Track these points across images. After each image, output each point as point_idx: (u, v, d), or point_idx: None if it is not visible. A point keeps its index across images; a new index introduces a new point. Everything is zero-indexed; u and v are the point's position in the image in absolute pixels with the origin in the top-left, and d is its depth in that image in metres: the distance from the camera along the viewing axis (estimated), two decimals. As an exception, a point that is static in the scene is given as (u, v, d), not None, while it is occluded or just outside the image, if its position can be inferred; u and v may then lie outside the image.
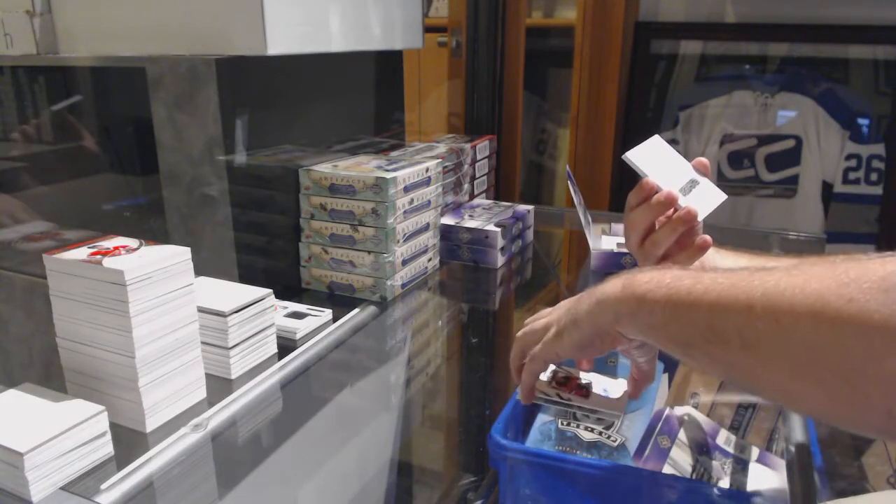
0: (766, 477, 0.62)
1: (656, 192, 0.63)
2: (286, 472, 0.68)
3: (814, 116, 1.69)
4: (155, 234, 0.99)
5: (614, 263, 1.15)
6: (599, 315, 0.50)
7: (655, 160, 0.66)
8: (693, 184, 0.66)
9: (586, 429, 0.68)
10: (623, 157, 0.65)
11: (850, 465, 0.65)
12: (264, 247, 1.02)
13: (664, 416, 0.66)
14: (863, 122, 1.67)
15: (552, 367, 0.75)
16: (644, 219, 0.65)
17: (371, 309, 0.99)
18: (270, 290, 0.81)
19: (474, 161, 1.36)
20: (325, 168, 1.00)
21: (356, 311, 0.97)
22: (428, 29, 1.30)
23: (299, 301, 0.96)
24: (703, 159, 0.68)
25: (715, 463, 0.63)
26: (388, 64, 1.27)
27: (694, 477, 0.62)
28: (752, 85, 1.75)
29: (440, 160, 1.13)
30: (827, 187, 1.71)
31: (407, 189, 1.01)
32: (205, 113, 0.89)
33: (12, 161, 1.14)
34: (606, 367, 0.83)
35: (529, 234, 1.32)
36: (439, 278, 1.15)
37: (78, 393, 0.68)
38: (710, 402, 0.72)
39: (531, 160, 2.23)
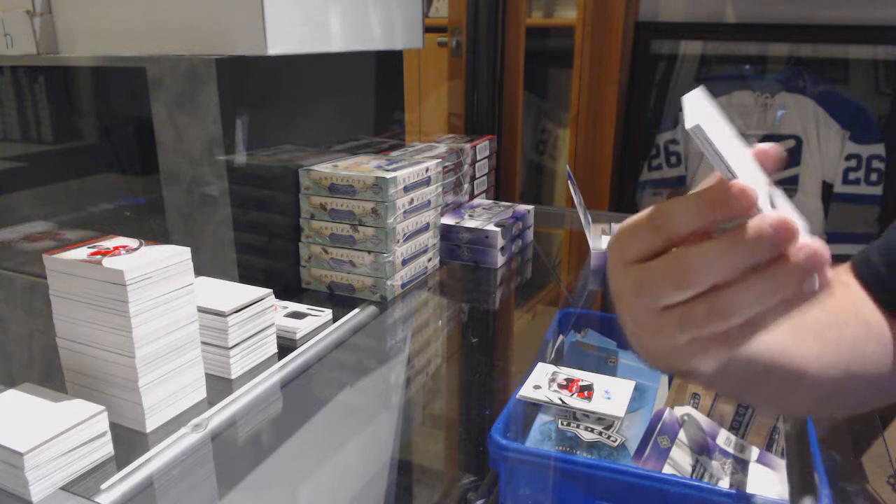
0: (766, 477, 0.62)
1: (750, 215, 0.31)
2: (286, 472, 0.68)
3: (814, 116, 1.69)
4: (155, 233, 0.99)
5: (614, 263, 1.15)
6: None
7: (722, 137, 0.33)
8: (771, 198, 0.34)
9: (586, 429, 0.68)
10: (688, 129, 0.32)
11: (850, 465, 0.65)
12: (264, 247, 1.02)
13: (664, 416, 0.66)
14: (863, 122, 1.67)
15: (553, 368, 0.75)
16: (728, 261, 0.31)
17: (371, 309, 0.99)
18: (270, 290, 0.81)
19: (474, 161, 1.36)
20: (325, 168, 1.00)
21: (356, 311, 0.97)
22: (428, 29, 1.30)
23: (299, 301, 0.96)
24: (769, 147, 0.35)
25: (715, 463, 0.63)
26: (388, 64, 1.27)
27: (694, 477, 0.62)
28: (752, 85, 1.75)
29: (440, 160, 1.13)
30: (827, 187, 1.71)
31: (407, 189, 1.01)
32: (205, 113, 0.89)
33: (11, 161, 1.14)
34: (607, 368, 0.83)
35: (529, 234, 1.32)
36: (439, 278, 1.15)
37: (78, 393, 0.68)
38: (710, 402, 0.72)
39: (531, 160, 2.23)
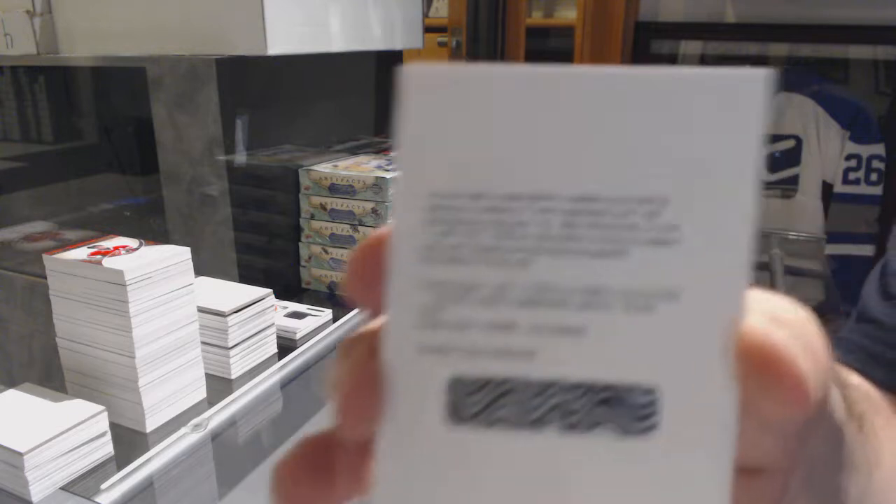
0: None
1: None
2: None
3: (814, 116, 1.69)
4: (155, 233, 0.99)
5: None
6: None
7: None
8: None
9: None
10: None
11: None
12: (264, 247, 1.02)
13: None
14: (863, 122, 1.66)
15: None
16: None
17: (371, 309, 0.99)
18: (270, 291, 0.81)
19: (474, 161, 1.36)
20: (325, 168, 1.00)
21: (356, 311, 0.97)
22: (428, 29, 1.30)
23: (299, 301, 0.96)
24: None
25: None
26: (388, 64, 1.27)
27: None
28: (752, 85, 1.74)
29: (440, 160, 1.13)
30: (827, 187, 1.71)
31: (407, 189, 1.01)
32: (205, 113, 0.89)
33: (12, 161, 1.14)
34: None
35: (529, 234, 1.32)
36: (439, 278, 1.15)
37: (78, 393, 0.68)
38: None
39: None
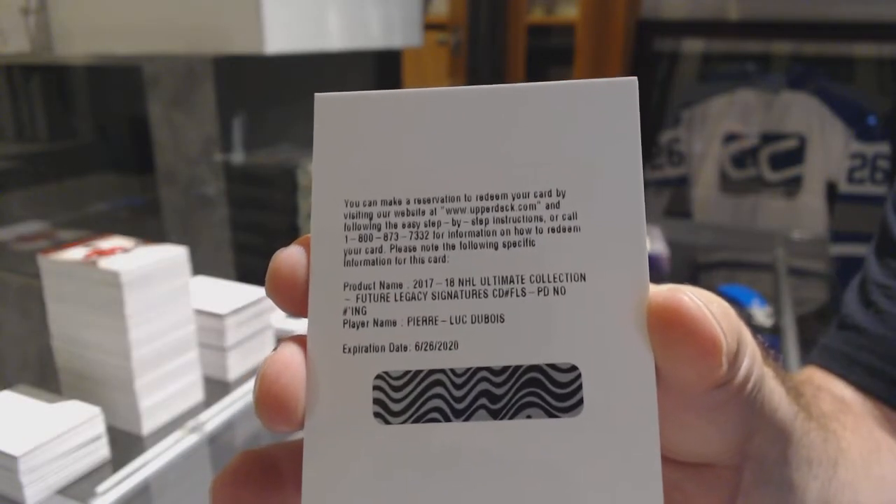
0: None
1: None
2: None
3: (818, 115, 1.67)
4: (151, 233, 0.98)
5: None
6: None
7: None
8: None
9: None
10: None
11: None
12: (262, 247, 1.01)
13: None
14: (868, 120, 1.65)
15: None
16: None
17: (371, 309, 0.98)
18: (269, 291, 0.80)
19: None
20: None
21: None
22: (428, 27, 1.29)
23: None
24: None
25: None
26: (387, 62, 1.26)
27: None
28: (756, 83, 1.74)
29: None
30: (831, 187, 1.70)
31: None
32: (202, 112, 0.88)
33: (6, 160, 1.14)
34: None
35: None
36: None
37: (73, 395, 0.68)
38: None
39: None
